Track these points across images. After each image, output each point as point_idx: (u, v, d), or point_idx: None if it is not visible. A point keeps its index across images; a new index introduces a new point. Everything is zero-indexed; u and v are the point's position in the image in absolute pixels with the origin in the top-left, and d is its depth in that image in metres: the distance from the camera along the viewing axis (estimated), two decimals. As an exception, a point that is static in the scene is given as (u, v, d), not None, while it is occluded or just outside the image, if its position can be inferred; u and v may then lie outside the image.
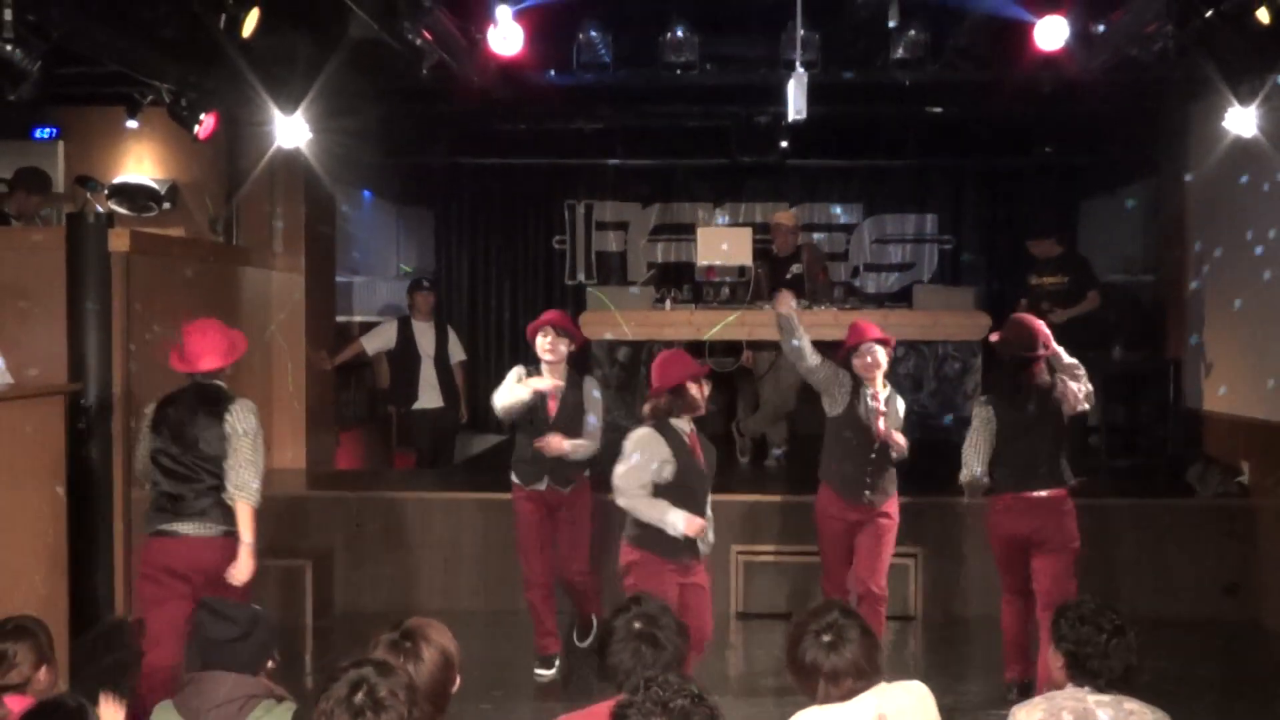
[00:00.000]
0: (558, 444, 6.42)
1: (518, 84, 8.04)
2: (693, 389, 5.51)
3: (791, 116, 6.42)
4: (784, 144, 10.24)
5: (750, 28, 8.10)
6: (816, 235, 12.71)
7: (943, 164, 12.46)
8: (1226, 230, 8.64)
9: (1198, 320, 9.08)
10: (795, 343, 6.31)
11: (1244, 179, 8.24)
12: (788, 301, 6.46)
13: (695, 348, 9.12)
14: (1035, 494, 6.02)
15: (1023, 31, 6.80)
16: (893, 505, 6.35)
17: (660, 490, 5.43)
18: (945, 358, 9.50)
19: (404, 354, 9.85)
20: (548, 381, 6.46)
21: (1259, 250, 8.14)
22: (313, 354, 9.38)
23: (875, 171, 12.65)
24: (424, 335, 9.81)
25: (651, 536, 5.44)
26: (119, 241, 6.98)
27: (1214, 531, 7.94)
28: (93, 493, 6.86)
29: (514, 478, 6.63)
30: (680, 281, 11.43)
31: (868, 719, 3.23)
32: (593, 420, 6.54)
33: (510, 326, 12.73)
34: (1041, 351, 6.04)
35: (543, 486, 6.54)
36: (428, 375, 9.76)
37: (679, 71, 7.97)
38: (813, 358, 6.33)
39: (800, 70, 6.45)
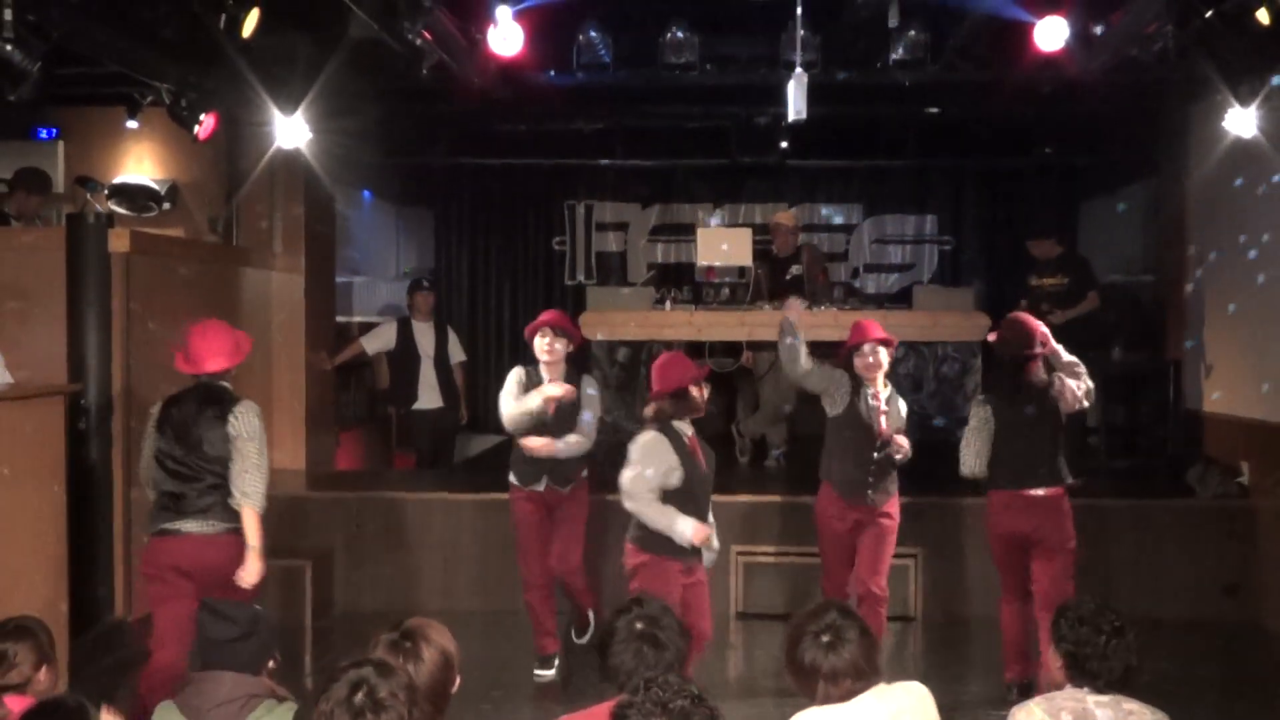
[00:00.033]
0: (545, 446, 6.42)
1: (518, 84, 8.04)
2: (694, 392, 5.53)
3: (791, 117, 6.43)
4: (784, 144, 10.25)
5: (750, 28, 8.10)
6: (816, 236, 12.71)
7: (942, 164, 12.46)
8: (1226, 231, 8.64)
9: (1197, 321, 9.09)
10: (790, 340, 6.31)
11: (1244, 180, 8.24)
12: (797, 308, 6.48)
13: (695, 348, 9.13)
14: (1033, 492, 6.04)
15: (1023, 32, 6.80)
16: (894, 505, 6.35)
17: (666, 495, 5.43)
18: (945, 358, 9.49)
19: (404, 354, 9.85)
20: (559, 388, 6.44)
21: (1258, 251, 8.14)
22: (312, 354, 9.37)
23: (875, 172, 12.64)
24: (424, 336, 9.81)
25: (656, 538, 5.44)
26: (119, 242, 6.97)
27: (1214, 532, 7.94)
28: (93, 493, 6.86)
29: (512, 479, 6.63)
30: (680, 282, 11.43)
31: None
32: (587, 416, 6.52)
33: (510, 327, 12.71)
34: (1039, 349, 6.06)
35: (541, 487, 6.54)
36: (427, 376, 9.76)
37: (679, 72, 7.97)
38: (806, 361, 6.34)
39: (800, 71, 6.47)
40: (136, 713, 4.54)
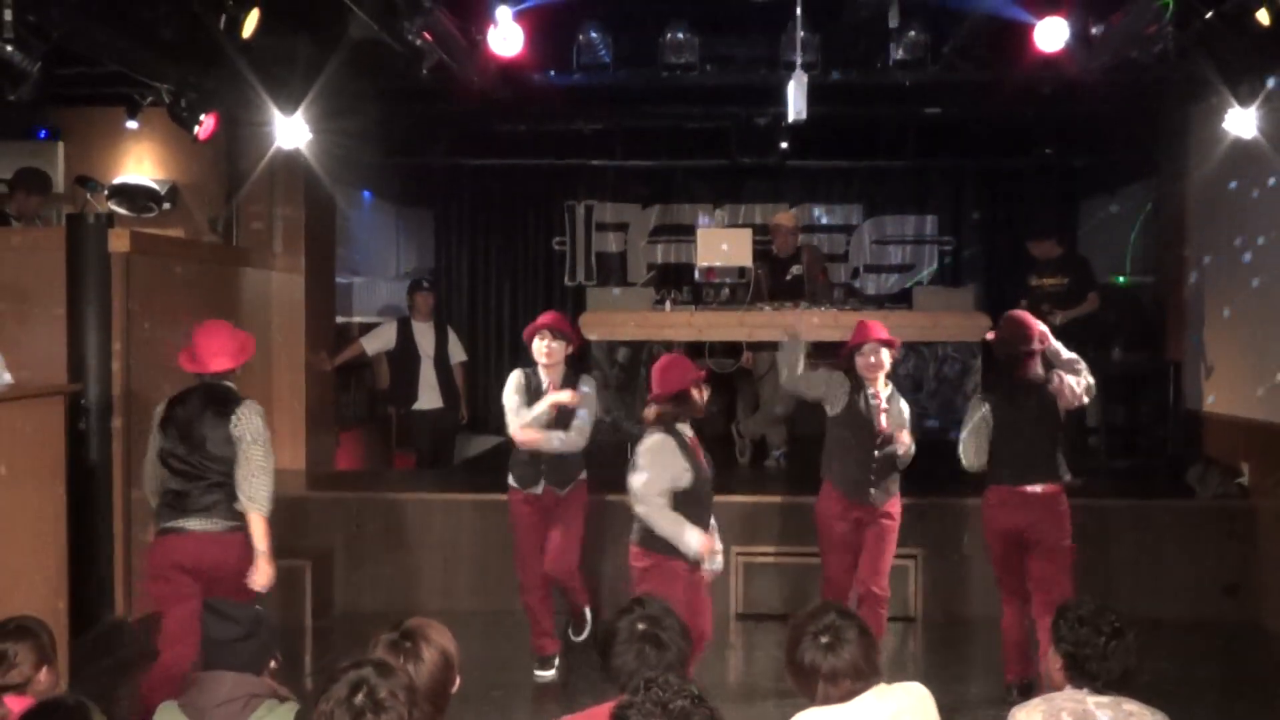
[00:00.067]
0: (533, 438, 6.40)
1: (518, 84, 8.03)
2: (694, 393, 5.54)
3: (791, 117, 6.43)
4: (784, 145, 10.25)
5: (750, 29, 8.10)
6: (816, 236, 12.71)
7: (942, 165, 12.46)
8: (1226, 231, 8.64)
9: (1197, 321, 9.09)
10: (789, 350, 6.36)
11: (1244, 181, 8.24)
12: (799, 322, 6.52)
13: (695, 349, 9.13)
14: (1030, 489, 6.05)
15: (1023, 32, 6.79)
16: (895, 505, 6.35)
17: (675, 497, 5.43)
18: (945, 359, 9.49)
19: (404, 355, 9.85)
20: (565, 395, 6.43)
21: (1258, 252, 8.14)
22: (312, 355, 9.37)
23: (875, 172, 12.64)
24: (424, 336, 9.81)
25: (661, 539, 5.45)
26: (119, 242, 6.97)
27: (1214, 532, 7.95)
28: (93, 493, 6.86)
29: (511, 481, 6.62)
30: (680, 283, 11.43)
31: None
32: (582, 414, 6.49)
33: (510, 327, 12.71)
34: (1036, 346, 6.08)
35: (539, 490, 6.52)
36: (427, 376, 9.76)
37: (679, 72, 7.96)
38: (800, 369, 6.40)
39: (800, 71, 6.47)
40: (140, 712, 4.54)
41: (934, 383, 9.51)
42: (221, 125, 7.79)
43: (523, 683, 6.62)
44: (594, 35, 7.88)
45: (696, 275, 9.86)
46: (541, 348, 6.47)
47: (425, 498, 8.32)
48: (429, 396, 9.76)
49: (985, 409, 6.15)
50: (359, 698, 2.73)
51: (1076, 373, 6.15)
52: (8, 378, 5.83)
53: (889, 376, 6.38)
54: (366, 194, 11.90)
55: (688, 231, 12.51)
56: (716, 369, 9.08)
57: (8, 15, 5.48)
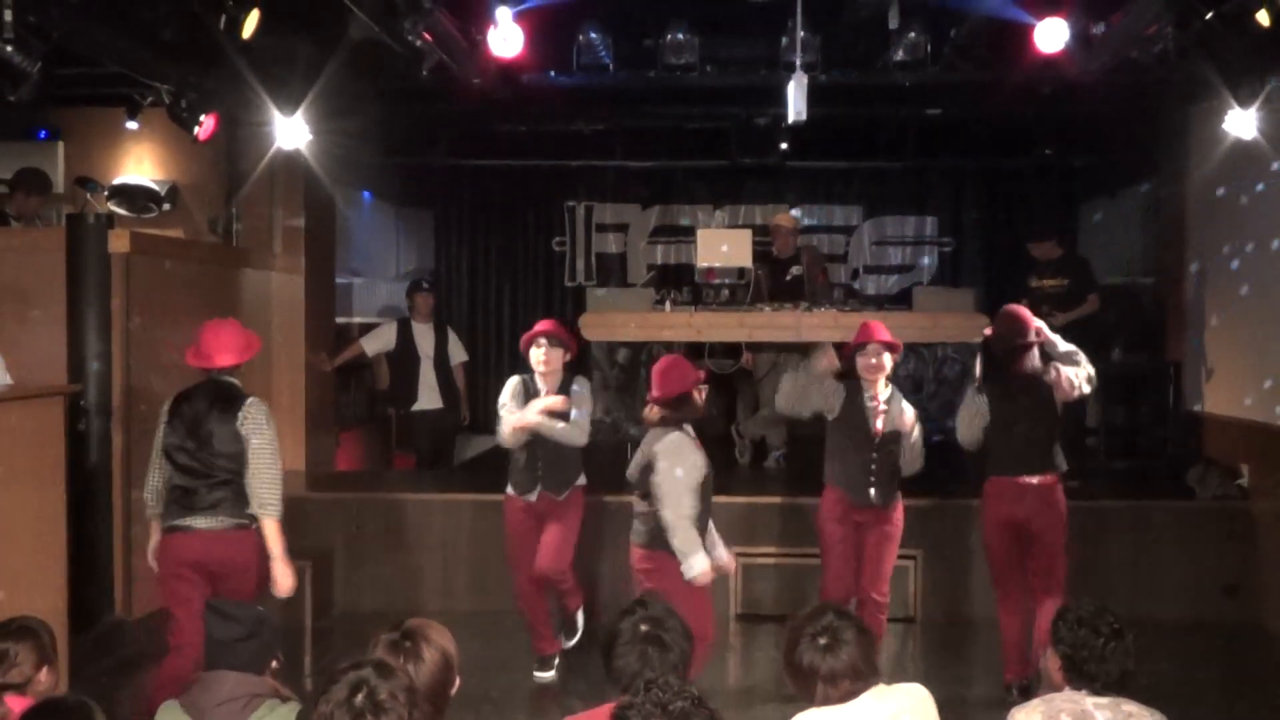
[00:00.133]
0: (533, 423, 6.37)
1: (518, 85, 8.03)
2: (696, 395, 5.56)
3: (791, 118, 6.43)
4: (784, 146, 10.24)
5: (750, 29, 8.09)
6: (816, 237, 12.70)
7: (942, 166, 12.45)
8: (1226, 232, 8.64)
9: (1197, 322, 9.08)
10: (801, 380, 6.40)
11: (1244, 181, 8.24)
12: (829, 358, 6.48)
13: (695, 349, 9.13)
14: (1027, 480, 6.11)
15: (1023, 33, 6.80)
16: (898, 513, 6.35)
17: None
18: (945, 360, 9.49)
19: (403, 355, 9.84)
20: (555, 400, 6.42)
21: (1258, 252, 8.14)
22: (312, 355, 9.37)
23: (875, 173, 12.63)
24: (423, 337, 9.80)
25: (663, 537, 5.47)
26: (119, 242, 6.97)
27: (1214, 533, 7.95)
28: (93, 493, 6.86)
29: (508, 488, 6.61)
30: (680, 283, 11.42)
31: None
32: (577, 414, 6.46)
33: (510, 328, 12.71)
34: (1033, 339, 6.11)
35: (534, 497, 6.50)
36: (427, 377, 9.75)
37: (679, 73, 7.96)
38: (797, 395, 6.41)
39: (800, 72, 6.47)
40: (146, 709, 4.53)
41: (934, 384, 9.52)
42: (221, 125, 7.78)
43: (523, 683, 6.63)
44: (594, 36, 7.88)
45: (696, 276, 9.87)
46: (539, 355, 6.45)
47: (425, 498, 8.33)
48: (429, 397, 9.75)
49: (982, 399, 6.23)
50: (359, 699, 2.73)
51: (1075, 364, 6.18)
52: (7, 378, 5.84)
53: (889, 379, 6.37)
54: (366, 194, 11.90)
55: (688, 232, 12.50)
56: (716, 370, 9.08)
57: (8, 15, 5.48)
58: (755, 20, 7.84)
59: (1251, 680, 6.96)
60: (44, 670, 3.94)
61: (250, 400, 5.46)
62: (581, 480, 6.61)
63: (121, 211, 8.82)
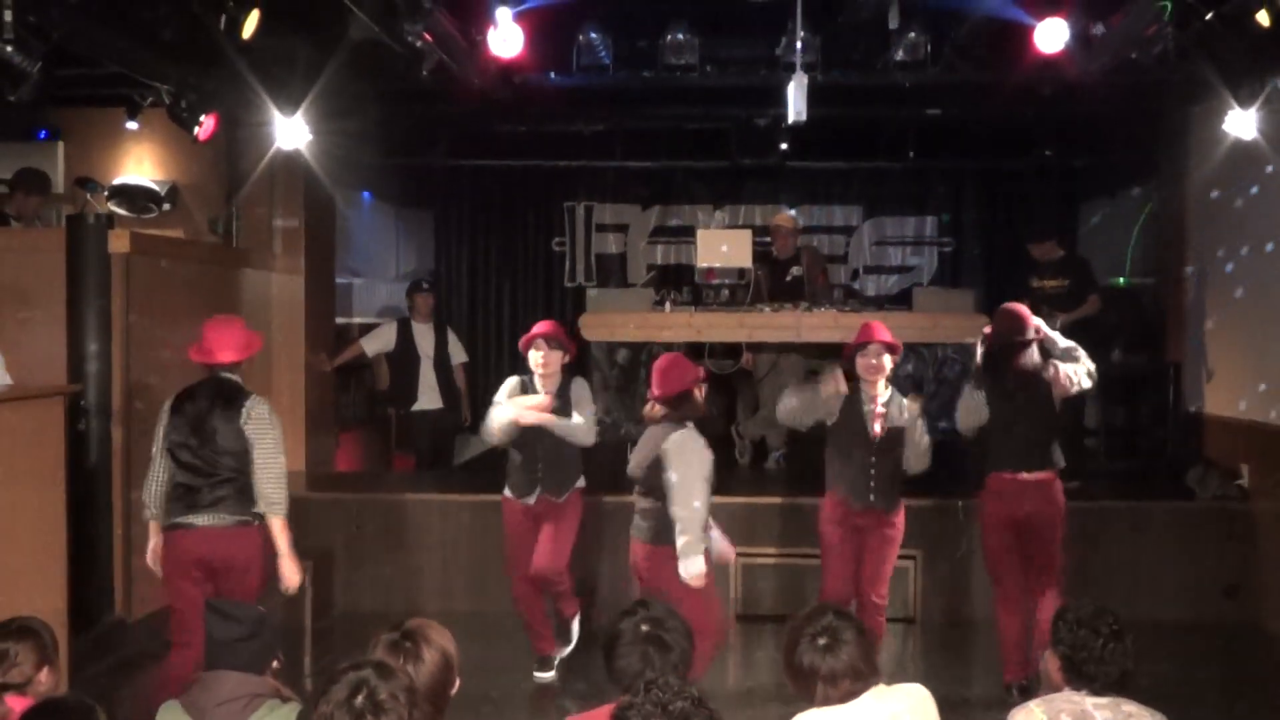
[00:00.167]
0: (539, 417, 6.37)
1: (517, 86, 8.04)
2: (697, 393, 5.57)
3: (791, 118, 6.44)
4: (784, 146, 10.24)
5: (750, 30, 8.10)
6: (816, 237, 12.69)
7: (942, 166, 12.45)
8: (1226, 232, 8.64)
9: (1197, 322, 9.08)
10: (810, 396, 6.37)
11: (1243, 182, 8.24)
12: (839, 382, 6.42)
13: (695, 349, 9.12)
14: (1026, 476, 6.14)
15: (1023, 34, 6.80)
16: (899, 517, 6.33)
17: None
18: (945, 360, 9.49)
19: (403, 356, 9.84)
20: (539, 398, 6.42)
21: (1258, 253, 8.14)
22: (312, 356, 9.37)
23: (875, 174, 12.63)
24: (423, 337, 9.80)
25: (666, 531, 5.50)
26: (119, 243, 6.97)
27: (1214, 534, 7.95)
28: (93, 493, 6.86)
29: (506, 490, 6.60)
30: (680, 283, 11.41)
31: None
32: (577, 416, 6.46)
33: (510, 328, 12.69)
34: (1031, 336, 6.12)
35: (532, 500, 6.49)
36: (427, 377, 9.75)
37: (679, 73, 7.97)
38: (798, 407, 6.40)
39: (800, 72, 6.47)
40: (148, 708, 4.53)
41: (934, 384, 9.51)
42: (221, 126, 7.78)
43: (522, 684, 6.62)
44: (594, 36, 7.88)
45: (696, 276, 9.87)
46: (537, 358, 6.43)
47: (425, 499, 8.33)
48: (428, 397, 9.75)
49: (980, 395, 6.25)
50: (359, 699, 2.72)
51: (1075, 360, 6.20)
52: (7, 378, 5.84)
53: (889, 380, 6.37)
54: (366, 195, 11.90)
55: (688, 233, 12.49)
56: (716, 370, 9.08)
57: (8, 15, 5.48)
58: (755, 20, 7.84)
59: (1251, 680, 6.96)
60: (44, 670, 3.94)
61: (253, 398, 5.49)
62: (581, 482, 6.60)
63: (121, 212, 8.82)
